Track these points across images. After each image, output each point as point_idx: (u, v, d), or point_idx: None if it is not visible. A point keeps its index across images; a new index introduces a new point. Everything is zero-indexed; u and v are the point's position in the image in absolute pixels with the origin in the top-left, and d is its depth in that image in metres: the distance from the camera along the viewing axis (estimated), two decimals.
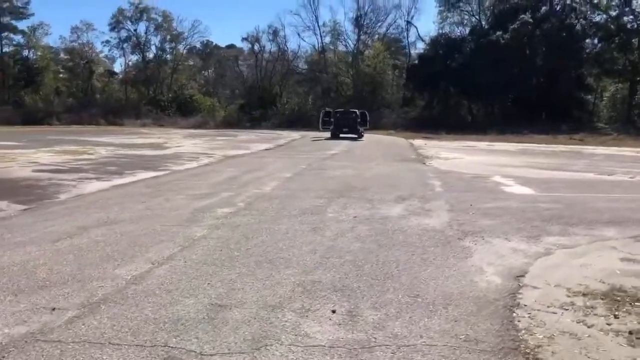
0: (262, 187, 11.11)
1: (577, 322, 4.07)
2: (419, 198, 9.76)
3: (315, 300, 4.40)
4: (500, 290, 4.75)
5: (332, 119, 34.23)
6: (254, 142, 30.10)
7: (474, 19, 62.19)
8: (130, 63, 78.04)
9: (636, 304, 4.50)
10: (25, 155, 19.21)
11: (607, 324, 4.04)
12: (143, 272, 5.11)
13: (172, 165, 16.12)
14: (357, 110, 34.71)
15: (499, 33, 47.86)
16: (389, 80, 58.16)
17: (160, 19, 75.80)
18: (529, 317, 4.15)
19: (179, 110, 67.68)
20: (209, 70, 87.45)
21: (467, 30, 58.95)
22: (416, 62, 54.73)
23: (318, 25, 67.05)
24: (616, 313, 4.27)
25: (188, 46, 79.26)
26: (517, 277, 5.15)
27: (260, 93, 66.04)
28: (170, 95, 72.42)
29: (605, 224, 7.62)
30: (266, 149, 24.22)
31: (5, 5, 71.72)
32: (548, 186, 11.62)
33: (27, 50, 74.44)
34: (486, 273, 5.26)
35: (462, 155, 20.64)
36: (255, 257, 5.66)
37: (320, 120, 35.81)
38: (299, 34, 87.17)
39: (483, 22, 59.39)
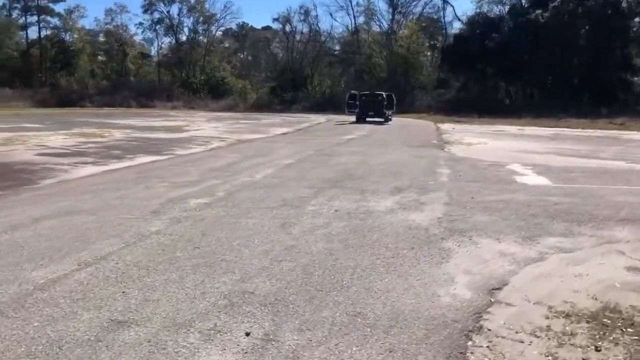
0: (255, 174, 10.45)
1: (546, 356, 3.26)
2: (418, 189, 8.93)
3: (235, 317, 3.71)
4: (465, 308, 3.95)
5: (357, 102, 33.21)
6: (276, 125, 29.48)
7: None
8: (163, 45, 78.26)
9: (628, 330, 3.64)
10: (39, 137, 19.06)
11: None
12: (62, 275, 4.51)
13: (178, 150, 15.63)
14: (383, 93, 33.56)
15: (538, 11, 45.62)
16: (423, 61, 56.38)
17: (193, 1, 75.67)
18: (487, 347, 3.36)
19: (211, 92, 67.55)
20: (244, 53, 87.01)
21: (506, 9, 56.61)
22: (451, 42, 52.70)
23: (351, 5, 65.67)
24: (599, 343, 3.44)
25: (223, 28, 78.96)
26: (493, 290, 4.34)
27: (292, 75, 65.26)
28: (202, 77, 72.36)
29: (619, 222, 6.67)
30: (284, 133, 23.56)
31: None
32: (567, 176, 10.58)
33: (63, 33, 75.47)
34: (456, 284, 4.46)
35: (487, 140, 19.52)
36: (197, 259, 4.99)
37: (346, 104, 34.88)
38: (331, 14, 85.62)
39: (523, 0, 56.90)
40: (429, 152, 15.02)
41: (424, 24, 63.55)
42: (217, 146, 17.07)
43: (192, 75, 73.12)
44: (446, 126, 29.14)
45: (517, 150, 15.90)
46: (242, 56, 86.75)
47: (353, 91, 37.54)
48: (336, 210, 7.16)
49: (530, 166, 11.95)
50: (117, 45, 74.52)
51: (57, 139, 18.59)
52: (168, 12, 74.68)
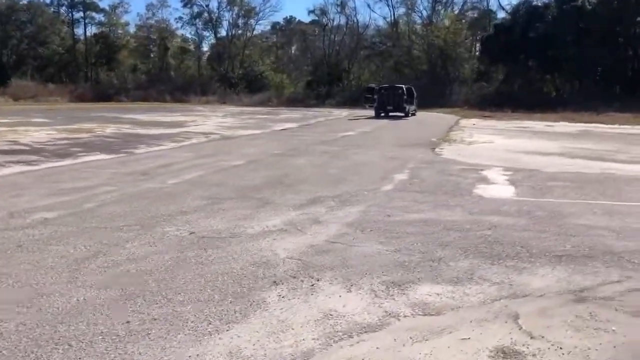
0: (172, 179, 8.98)
1: None
2: (340, 201, 7.22)
3: None
4: None
5: (375, 96, 31.21)
6: (287, 121, 28.02)
7: None
8: (203, 39, 78.18)
9: None
10: (25, 132, 18.48)
11: None
12: None
13: (143, 147, 14.42)
14: (403, 86, 31.40)
15: None
16: (461, 53, 53.41)
17: None
18: None
19: (248, 87, 66.70)
20: (292, 48, 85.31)
21: None
22: (492, 33, 49.58)
23: None
24: None
25: (266, 22, 78.11)
26: None
27: (328, 69, 63.54)
28: (240, 71, 71.68)
29: (554, 259, 4.79)
30: (283, 129, 22.04)
31: None
32: (546, 186, 8.56)
33: (107, 29, 76.48)
34: None
35: (496, 139, 17.37)
36: None
37: (363, 98, 32.95)
38: (369, 5, 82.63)
39: None
40: (411, 153, 13.13)
41: (465, 15, 60.54)
42: (190, 143, 15.75)
43: (230, 70, 72.57)
44: (468, 122, 26.85)
45: (519, 151, 13.79)
46: (290, 51, 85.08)
47: (371, 84, 35.54)
48: (192, 233, 5.58)
49: (512, 172, 9.96)
50: (158, 40, 74.86)
51: (41, 135, 17.90)
52: (207, 5, 74.44)
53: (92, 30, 76.69)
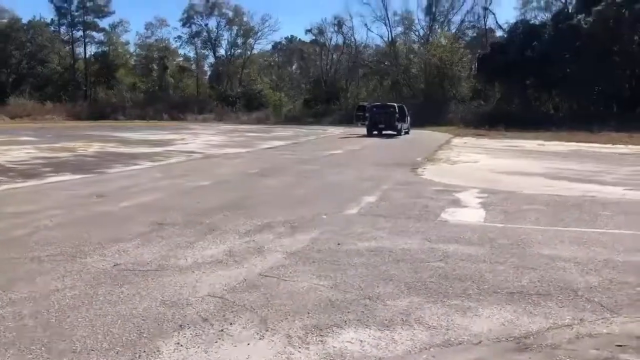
0: (128, 201, 8.52)
1: None
2: (294, 227, 6.74)
3: None
4: None
5: (367, 114, 30.83)
6: (277, 139, 27.65)
7: (559, 3, 55.88)
8: (201, 59, 78.28)
9: None
10: (6, 151, 18.21)
11: None
12: None
13: (117, 167, 14.00)
14: (395, 104, 31.02)
15: (580, 16, 41.82)
16: (456, 71, 53.18)
17: (231, 14, 75.33)
18: None
19: (247, 105, 66.51)
20: (292, 66, 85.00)
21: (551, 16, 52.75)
22: (488, 51, 49.35)
23: (387, 15, 63.12)
24: None
25: (264, 41, 78.12)
26: None
27: (325, 87, 63.43)
28: (239, 90, 71.59)
29: (504, 297, 4.29)
30: (270, 147, 21.63)
31: (89, 4, 74.08)
32: (519, 209, 8.06)
33: (107, 48, 76.58)
34: None
35: (482, 159, 16.90)
36: None
37: (354, 116, 32.58)
38: (366, 24, 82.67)
39: (570, 7, 52.99)
40: (391, 174, 12.64)
41: (462, 34, 60.52)
42: (167, 163, 15.34)
43: (229, 88, 72.51)
44: (460, 140, 26.43)
45: (502, 171, 13.31)
46: (291, 69, 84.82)
47: (362, 103, 35.24)
48: (115, 265, 5.10)
49: (488, 194, 9.46)
50: (157, 59, 74.94)
51: (20, 154, 17.62)
52: (206, 25, 74.66)
53: (92, 49, 76.86)
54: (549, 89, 47.80)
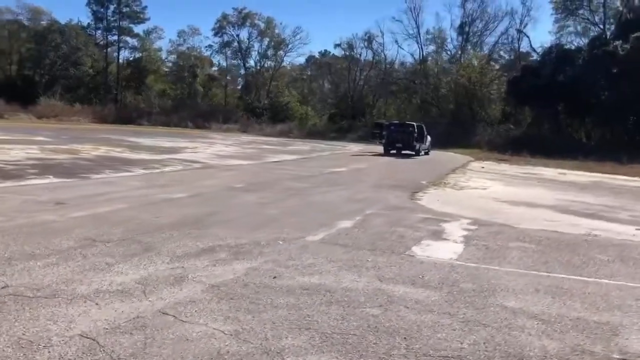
0: (83, 211, 7.92)
1: None
2: (237, 253, 6.02)
3: None
4: None
5: (384, 132, 29.97)
6: (291, 152, 27.07)
7: (597, 29, 54.21)
8: (230, 68, 78.57)
9: None
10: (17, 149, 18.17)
11: None
12: None
13: (107, 172, 13.55)
14: (414, 124, 30.10)
15: (617, 42, 40.26)
16: (487, 93, 51.91)
17: (263, 25, 75.57)
18: None
19: (273, 117, 66.30)
20: (324, 81, 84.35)
21: (587, 41, 51.19)
22: (519, 74, 47.99)
23: (419, 33, 62.25)
24: None
25: (304, 54, 77.76)
26: None
27: (352, 103, 62.77)
28: (266, 102, 71.52)
29: None
30: (277, 161, 21.00)
31: (125, 9, 75.28)
32: (506, 247, 7.14)
33: (140, 53, 77.62)
34: None
35: (492, 185, 15.91)
36: None
37: (371, 134, 31.75)
38: (396, 41, 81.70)
39: (608, 33, 51.34)
40: (384, 196, 11.81)
41: (498, 56, 59.29)
42: (160, 171, 14.82)
43: (256, 99, 72.50)
44: (478, 164, 25.35)
45: (507, 201, 12.34)
46: (323, 84, 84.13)
47: (380, 120, 34.40)
48: (4, 287, 4.44)
49: (478, 225, 8.57)
50: (187, 67, 75.53)
51: (19, 153, 17.51)
52: (238, 35, 75.03)
53: (125, 54, 77.93)
54: (582, 116, 46.09)
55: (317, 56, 79.48)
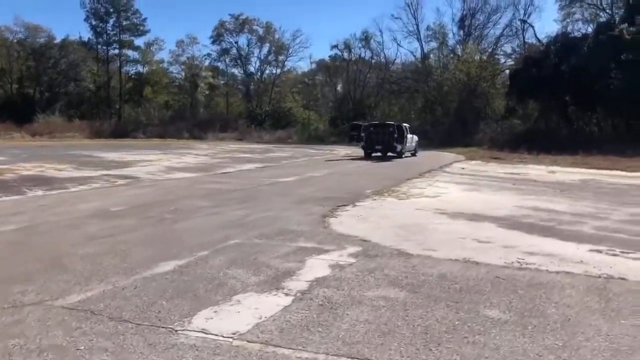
0: None
1: None
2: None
3: None
4: None
5: (362, 134, 27.61)
6: (258, 161, 24.93)
7: (606, 15, 50.93)
8: (230, 76, 76.90)
9: None
10: None
11: None
12: None
13: (35, 191, 11.58)
14: (394, 123, 27.70)
15: (623, 26, 37.23)
16: (486, 88, 49.16)
17: (261, 31, 73.76)
18: None
19: (275, 123, 64.32)
20: (337, 83, 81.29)
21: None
22: (520, 66, 45.09)
23: (419, 30, 59.64)
24: None
25: (301, 58, 75.90)
26: None
27: (352, 106, 60.42)
28: (267, 108, 69.64)
29: None
30: (228, 172, 18.90)
31: (125, 23, 74.13)
32: (356, 299, 4.89)
33: (141, 66, 76.46)
34: None
35: (450, 192, 13.52)
36: None
37: (348, 136, 29.52)
38: (395, 39, 78.75)
39: (617, 18, 47.98)
40: (294, 215, 9.53)
41: (500, 49, 56.47)
42: (67, 191, 12.87)
43: (258, 106, 70.65)
44: (459, 165, 22.89)
45: (451, 212, 9.99)
46: (335, 88, 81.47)
47: (357, 121, 32.08)
48: None
49: (365, 258, 6.32)
50: (187, 77, 74.16)
51: None
52: (236, 42, 73.29)
53: (126, 68, 76.57)
54: (592, 106, 42.87)
55: (324, 59, 77.11)
